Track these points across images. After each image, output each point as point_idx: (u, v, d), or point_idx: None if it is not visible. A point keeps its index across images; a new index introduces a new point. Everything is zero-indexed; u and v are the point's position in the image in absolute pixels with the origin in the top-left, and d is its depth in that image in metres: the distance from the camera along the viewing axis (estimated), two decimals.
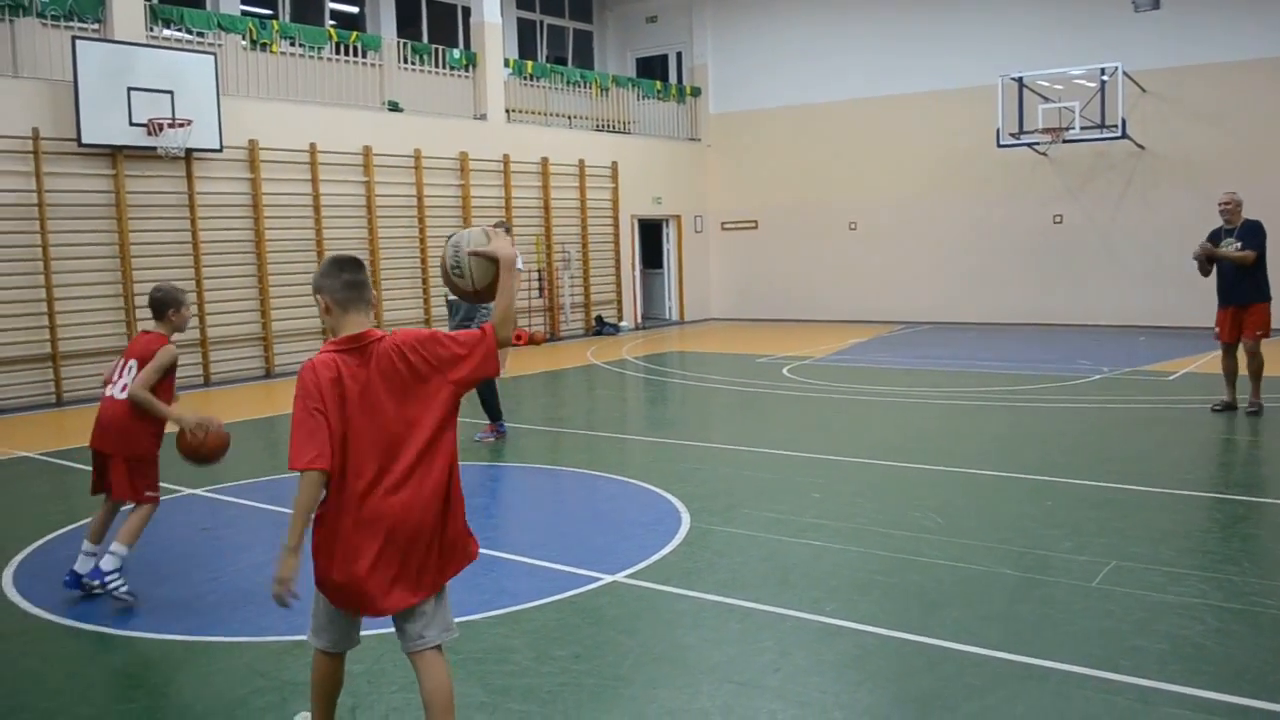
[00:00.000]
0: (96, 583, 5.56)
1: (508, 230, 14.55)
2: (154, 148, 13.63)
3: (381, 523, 3.38)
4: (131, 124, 13.42)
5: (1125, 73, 17.60)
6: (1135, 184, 18.95)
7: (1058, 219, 19.62)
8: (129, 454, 5.58)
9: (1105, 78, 17.67)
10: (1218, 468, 8.42)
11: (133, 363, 5.65)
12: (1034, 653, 4.60)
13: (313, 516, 3.40)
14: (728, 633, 4.98)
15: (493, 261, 3.53)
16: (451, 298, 9.93)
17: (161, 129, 13.55)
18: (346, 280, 3.56)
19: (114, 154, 13.58)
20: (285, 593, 3.36)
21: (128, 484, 5.58)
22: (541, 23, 23.29)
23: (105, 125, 13.24)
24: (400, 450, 3.42)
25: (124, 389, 5.61)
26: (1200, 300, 18.14)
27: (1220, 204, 10.90)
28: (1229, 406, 10.46)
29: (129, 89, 13.34)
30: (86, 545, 5.70)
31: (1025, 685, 4.31)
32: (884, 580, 5.66)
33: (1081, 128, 17.87)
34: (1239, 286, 10.53)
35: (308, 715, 4.09)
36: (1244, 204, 10.94)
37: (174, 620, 5.27)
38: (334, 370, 3.45)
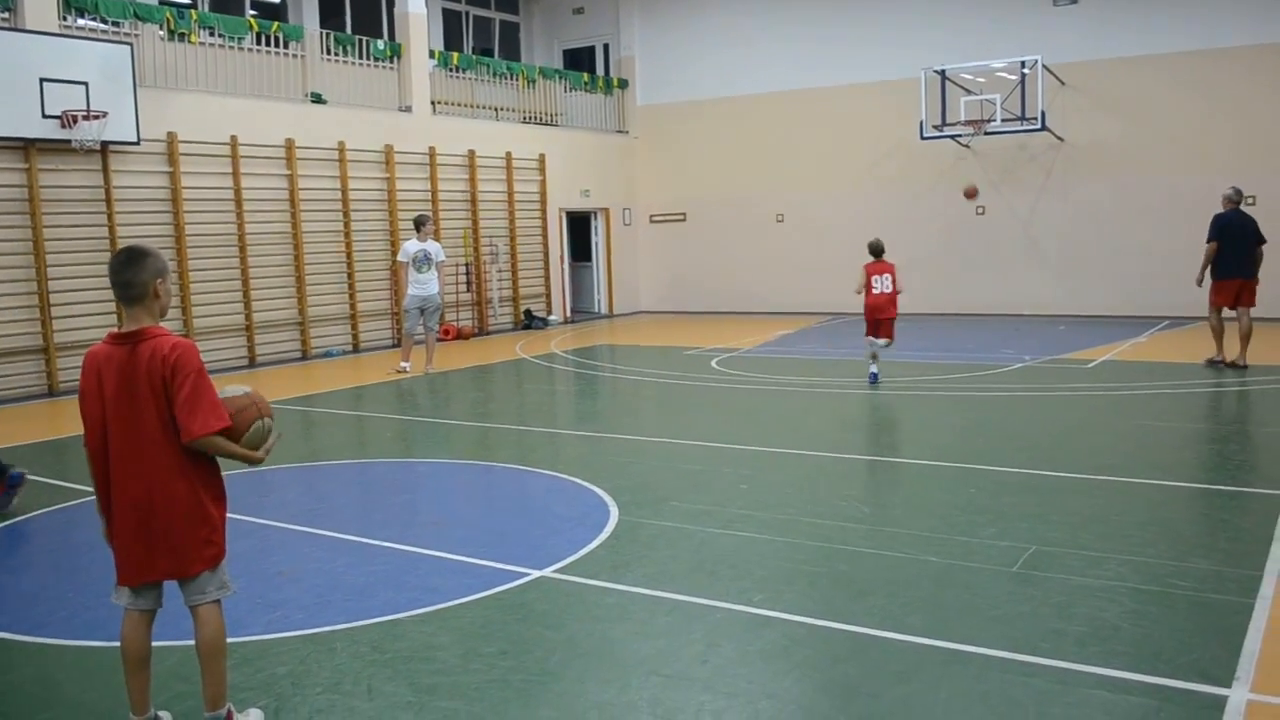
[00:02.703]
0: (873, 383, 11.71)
1: (426, 223, 14.43)
2: (68, 140, 13.28)
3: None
4: (44, 116, 13.04)
5: (1045, 66, 17.92)
6: (1055, 175, 19.31)
7: (980, 210, 19.92)
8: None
9: (1025, 71, 17.97)
10: (1135, 453, 8.61)
11: (889, 275, 12.09)
12: (957, 638, 4.68)
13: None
14: (656, 625, 4.99)
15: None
16: None
17: (76, 121, 13.21)
18: (112, 280, 3.82)
19: (26, 147, 13.20)
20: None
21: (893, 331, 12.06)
22: (467, 14, 23.11)
23: (17, 117, 12.85)
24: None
25: (894, 287, 12.11)
26: (1117, 290, 18.63)
27: None
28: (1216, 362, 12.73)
29: (41, 80, 12.96)
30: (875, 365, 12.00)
31: (948, 670, 4.38)
32: (811, 570, 5.71)
33: (1002, 120, 18.17)
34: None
35: (260, 713, 4.11)
36: (1227, 196, 12.79)
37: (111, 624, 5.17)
38: (96, 360, 3.78)
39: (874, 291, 12.12)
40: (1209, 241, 12.61)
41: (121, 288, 3.77)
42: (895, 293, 12.14)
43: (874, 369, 12.10)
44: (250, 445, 3.86)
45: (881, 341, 12.15)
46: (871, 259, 12.29)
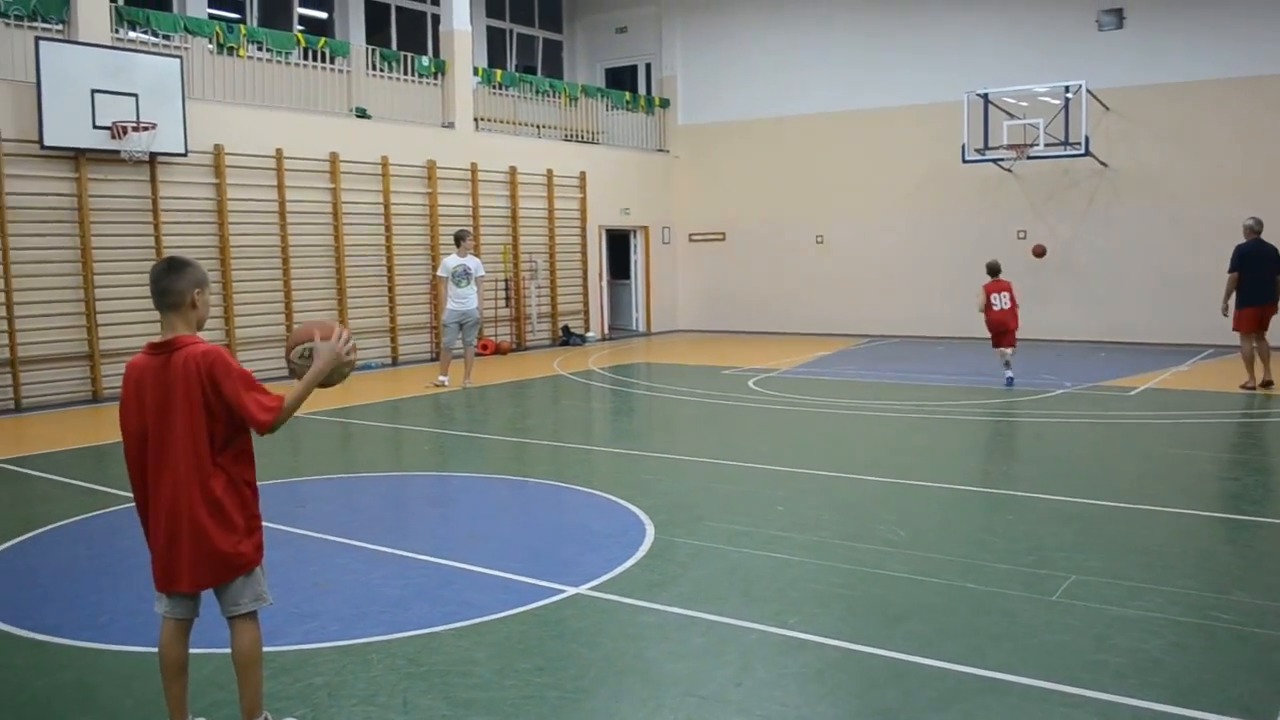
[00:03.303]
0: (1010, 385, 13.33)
1: (466, 238, 14.51)
2: (118, 151, 13.50)
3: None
4: (95, 127, 13.28)
5: (1089, 90, 17.80)
6: (1098, 201, 19.16)
7: (1021, 235, 19.78)
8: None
9: (1069, 95, 17.86)
10: (1177, 483, 8.51)
11: (1007, 293, 13.57)
12: (995, 666, 4.63)
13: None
14: (690, 646, 4.98)
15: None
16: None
17: (126, 132, 13.43)
18: (151, 287, 3.86)
19: (77, 157, 13.43)
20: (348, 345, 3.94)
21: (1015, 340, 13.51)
22: (511, 31, 23.29)
23: (68, 128, 13.09)
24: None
25: (1011, 303, 13.59)
26: (1160, 317, 18.42)
27: None
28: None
29: (93, 91, 13.20)
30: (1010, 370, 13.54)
31: (986, 699, 4.34)
32: (847, 594, 5.68)
33: (1046, 145, 18.04)
34: None
35: None
36: (1248, 226, 13.30)
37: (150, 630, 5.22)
38: (135, 370, 3.84)
39: (994, 309, 13.64)
40: (1231, 271, 13.13)
41: (160, 294, 3.82)
42: (1014, 307, 13.67)
43: (1009, 374, 13.64)
44: (300, 373, 3.92)
45: (1007, 351, 13.68)
46: (990, 278, 13.76)
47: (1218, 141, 18.06)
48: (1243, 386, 13.07)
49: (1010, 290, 13.72)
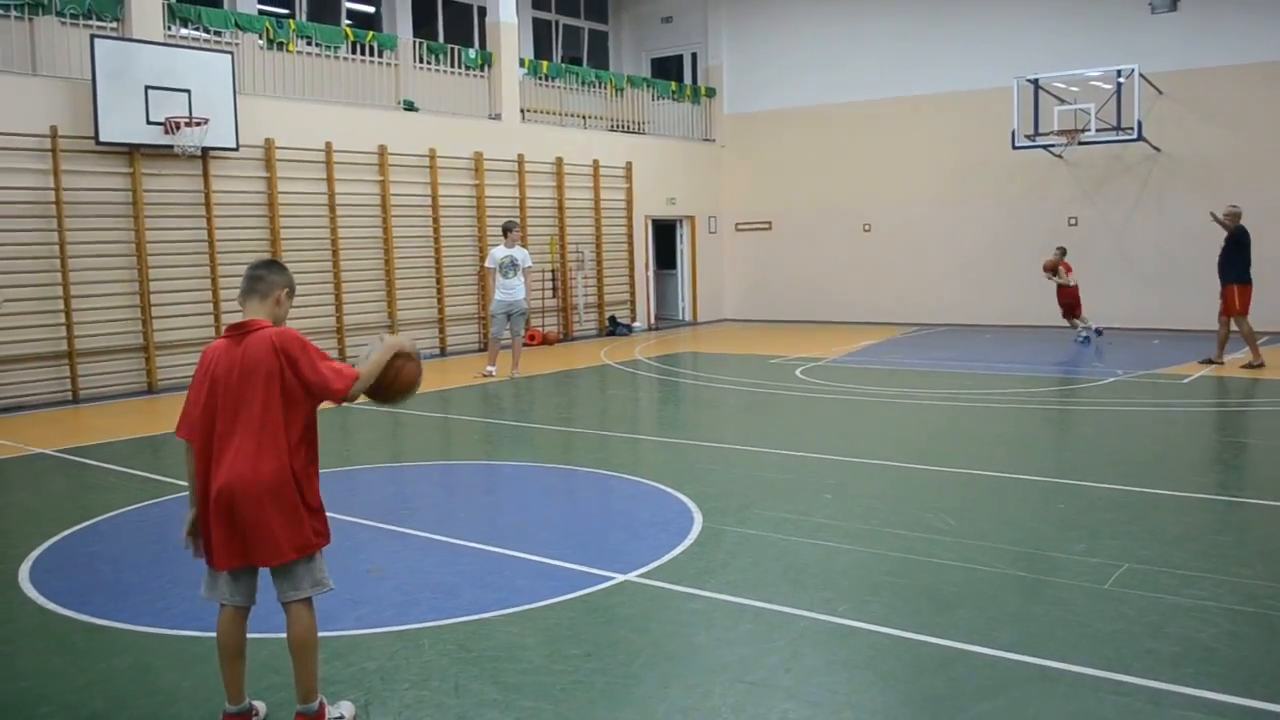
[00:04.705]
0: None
1: (514, 229, 14.58)
2: (171, 146, 13.69)
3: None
4: (149, 122, 13.47)
5: (1142, 75, 17.54)
6: (1151, 187, 18.89)
7: (1073, 221, 19.56)
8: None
9: (1121, 80, 17.61)
10: (1231, 471, 8.39)
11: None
12: (1046, 654, 4.60)
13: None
14: (739, 632, 4.99)
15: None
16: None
17: (178, 128, 13.61)
18: (248, 273, 4.13)
19: (131, 152, 13.64)
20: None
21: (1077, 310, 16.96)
22: (557, 23, 23.33)
23: (122, 124, 13.30)
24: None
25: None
26: (1214, 303, 18.08)
27: None
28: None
29: (146, 88, 13.40)
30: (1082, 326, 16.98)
31: (1037, 687, 4.32)
32: (896, 581, 5.66)
33: (1097, 130, 17.80)
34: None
35: (351, 705, 4.18)
36: (1239, 215, 14.30)
37: (207, 615, 5.32)
38: (210, 352, 4.02)
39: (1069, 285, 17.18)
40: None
41: (254, 280, 4.09)
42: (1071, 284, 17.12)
43: (1084, 335, 17.11)
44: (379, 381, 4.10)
45: (1079, 321, 17.23)
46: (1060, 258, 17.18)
47: (1274, 126, 17.72)
48: (1250, 365, 13.67)
49: (1067, 270, 17.08)
